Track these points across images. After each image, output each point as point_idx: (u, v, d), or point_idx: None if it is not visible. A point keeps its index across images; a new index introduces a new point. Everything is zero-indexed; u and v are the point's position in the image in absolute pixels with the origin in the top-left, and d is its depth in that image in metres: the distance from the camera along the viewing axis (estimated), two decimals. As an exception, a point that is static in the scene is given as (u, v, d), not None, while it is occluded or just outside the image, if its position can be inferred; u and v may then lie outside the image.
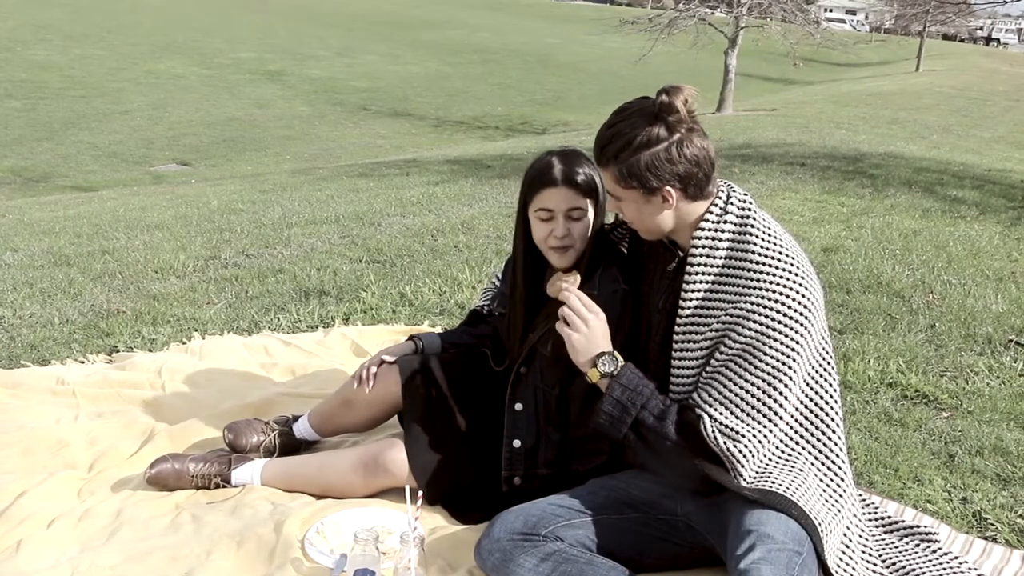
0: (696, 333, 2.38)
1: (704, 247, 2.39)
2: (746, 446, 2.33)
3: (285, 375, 3.85)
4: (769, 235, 2.39)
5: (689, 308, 2.39)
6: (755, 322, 2.28)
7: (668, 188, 2.35)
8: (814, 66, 35.66)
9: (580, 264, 2.72)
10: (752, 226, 2.39)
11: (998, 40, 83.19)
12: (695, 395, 2.36)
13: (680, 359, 2.42)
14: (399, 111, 25.47)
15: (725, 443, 2.31)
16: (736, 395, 2.31)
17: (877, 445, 3.50)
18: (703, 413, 2.33)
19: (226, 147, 19.83)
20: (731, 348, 2.31)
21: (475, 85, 30.82)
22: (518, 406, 2.78)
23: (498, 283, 3.22)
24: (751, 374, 2.30)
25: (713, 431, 2.31)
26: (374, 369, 3.00)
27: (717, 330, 2.34)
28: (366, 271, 5.53)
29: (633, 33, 21.50)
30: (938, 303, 5.11)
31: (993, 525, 3.04)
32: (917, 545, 2.70)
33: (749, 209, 2.42)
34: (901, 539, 2.70)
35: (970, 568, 2.65)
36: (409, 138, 21.95)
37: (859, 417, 3.72)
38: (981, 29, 75.32)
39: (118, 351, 4.20)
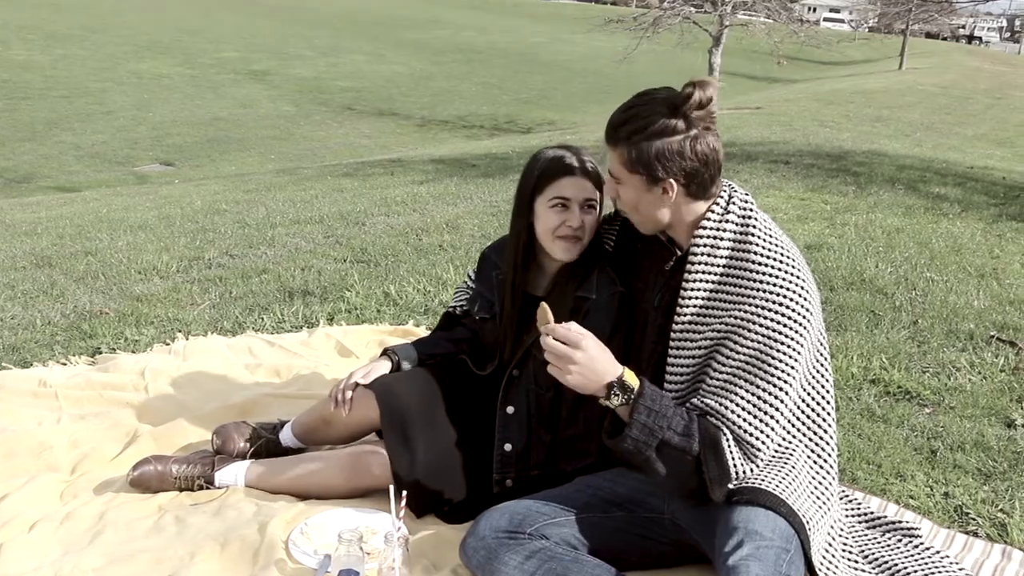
0: (695, 333, 2.38)
1: (705, 246, 2.39)
2: (761, 460, 2.35)
3: (270, 376, 3.83)
4: (770, 237, 2.39)
5: (689, 307, 2.39)
6: (761, 326, 2.29)
7: (671, 181, 2.34)
8: (798, 64, 35.77)
9: (579, 263, 2.71)
10: (754, 228, 2.39)
11: (980, 38, 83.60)
12: (713, 404, 2.33)
13: (676, 357, 2.41)
14: (384, 111, 25.40)
15: (742, 462, 2.32)
16: (751, 403, 2.30)
17: (860, 441, 3.51)
18: (723, 427, 2.31)
19: (210, 147, 19.73)
20: (739, 353, 2.31)
21: (460, 84, 30.78)
22: (510, 409, 2.77)
23: (471, 283, 3.16)
24: (761, 379, 2.30)
25: (738, 452, 2.31)
26: (349, 394, 2.91)
27: (719, 330, 2.34)
28: (350, 271, 5.51)
29: (618, 32, 21.50)
30: (920, 300, 5.13)
31: (974, 520, 3.06)
32: (899, 541, 2.71)
33: (751, 210, 2.42)
34: (884, 535, 2.71)
35: (952, 563, 2.66)
36: (394, 137, 21.90)
37: (842, 414, 3.72)
38: (964, 27, 75.68)
39: (101, 352, 4.17)
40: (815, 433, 2.46)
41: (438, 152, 14.81)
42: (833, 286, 5.26)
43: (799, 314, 2.30)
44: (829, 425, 2.48)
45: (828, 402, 2.48)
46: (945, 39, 69.97)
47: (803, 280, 2.35)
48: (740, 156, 10.41)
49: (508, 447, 2.76)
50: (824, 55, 33.73)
